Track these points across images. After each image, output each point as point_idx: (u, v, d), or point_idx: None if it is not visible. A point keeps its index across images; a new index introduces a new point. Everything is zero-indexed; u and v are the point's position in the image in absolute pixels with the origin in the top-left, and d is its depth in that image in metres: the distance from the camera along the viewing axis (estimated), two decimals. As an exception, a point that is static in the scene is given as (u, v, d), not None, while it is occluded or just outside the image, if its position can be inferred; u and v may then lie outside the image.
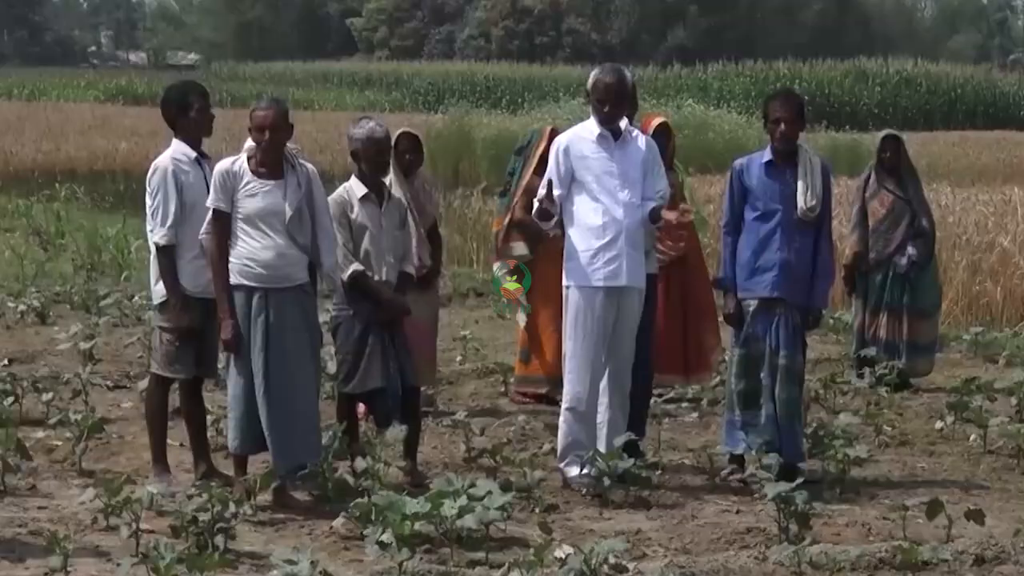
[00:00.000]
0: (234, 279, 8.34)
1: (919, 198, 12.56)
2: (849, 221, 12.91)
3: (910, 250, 12.32)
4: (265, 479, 8.30)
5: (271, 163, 8.34)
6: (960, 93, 70.41)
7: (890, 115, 61.57)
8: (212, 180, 8.38)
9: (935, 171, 25.85)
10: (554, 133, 11.51)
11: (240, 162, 8.38)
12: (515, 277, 11.29)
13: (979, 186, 24.96)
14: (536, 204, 9.05)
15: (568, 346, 9.04)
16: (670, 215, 9.03)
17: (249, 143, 8.43)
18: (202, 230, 8.44)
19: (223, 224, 8.33)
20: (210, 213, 8.35)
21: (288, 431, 8.33)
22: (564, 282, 9.04)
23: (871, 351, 12.14)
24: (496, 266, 11.48)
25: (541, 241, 10.73)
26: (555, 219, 9.01)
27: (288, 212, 8.29)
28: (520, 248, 11.36)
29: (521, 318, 11.69)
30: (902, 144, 12.72)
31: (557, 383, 11.23)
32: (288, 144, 8.51)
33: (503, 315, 11.52)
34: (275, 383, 8.30)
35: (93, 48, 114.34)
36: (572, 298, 8.97)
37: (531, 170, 11.41)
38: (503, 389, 11.81)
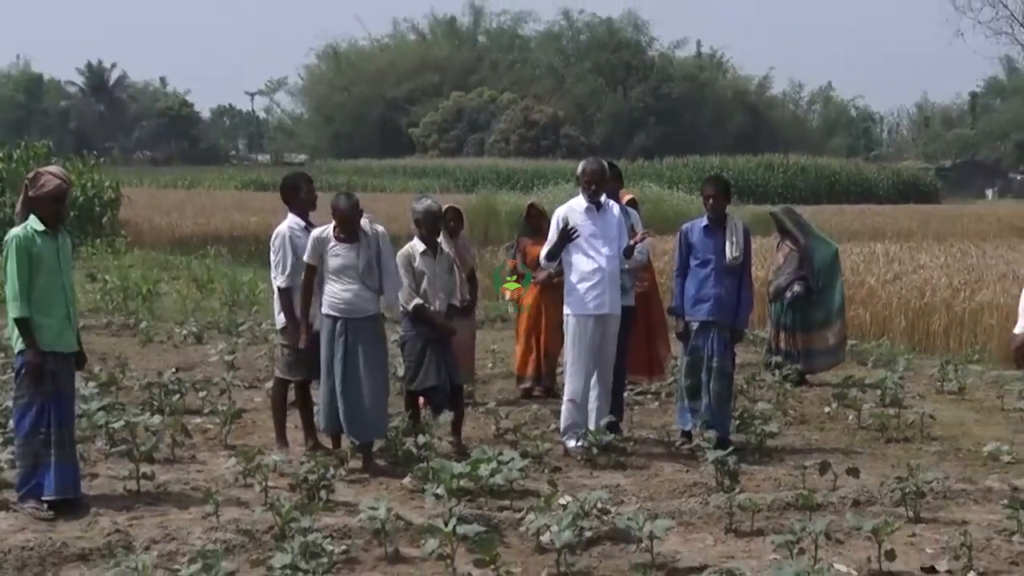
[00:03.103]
0: (325, 310, 8.44)
1: (807, 250, 12.56)
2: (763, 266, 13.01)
3: (796, 287, 12.35)
4: (354, 451, 8.33)
5: (348, 233, 8.39)
6: (838, 178, 70.30)
7: (790, 194, 61.45)
8: (308, 243, 8.45)
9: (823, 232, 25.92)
10: (532, 207, 11.69)
11: (327, 231, 8.46)
12: (515, 278, 11.26)
13: (852, 243, 24.87)
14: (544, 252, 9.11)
15: (569, 356, 9.04)
16: (632, 242, 9.09)
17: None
18: (302, 277, 8.52)
19: (313, 273, 8.43)
20: (306, 266, 8.43)
21: (359, 417, 8.35)
22: (564, 311, 9.04)
23: (777, 358, 12.16)
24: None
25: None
26: (557, 262, 9.07)
27: (360, 266, 8.34)
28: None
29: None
30: (777, 215, 13.02)
31: (521, 378, 11.33)
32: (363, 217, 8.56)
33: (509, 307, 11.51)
34: (350, 383, 8.34)
35: (233, 152, 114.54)
36: (571, 323, 8.96)
37: (519, 233, 11.52)
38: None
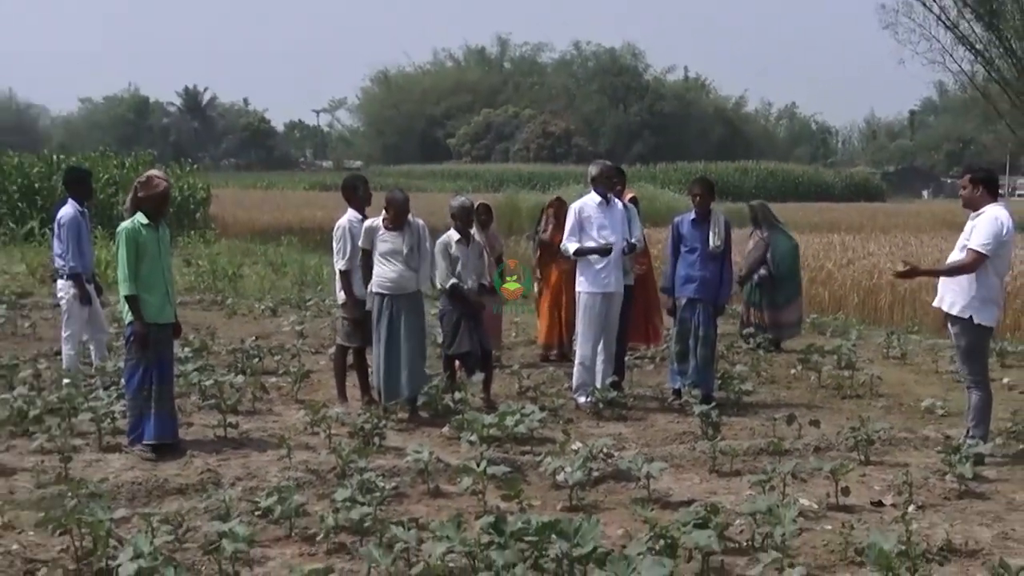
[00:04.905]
0: (375, 289, 8.39)
1: (771, 241, 12.45)
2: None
3: (762, 271, 12.27)
4: (401, 405, 8.30)
5: (396, 222, 8.35)
6: (800, 181, 69.99)
7: (761, 194, 60.76)
8: (362, 231, 8.42)
9: (790, 226, 25.90)
10: (558, 200, 11.53)
11: (377, 221, 8.44)
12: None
13: (814, 233, 24.80)
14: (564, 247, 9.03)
15: (580, 327, 8.99)
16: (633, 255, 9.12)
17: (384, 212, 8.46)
18: (357, 259, 8.52)
19: (368, 256, 8.42)
20: (361, 250, 8.42)
21: (397, 377, 8.32)
22: (577, 289, 9.00)
23: (750, 330, 12.09)
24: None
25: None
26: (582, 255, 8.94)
27: (404, 251, 8.31)
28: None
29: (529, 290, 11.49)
30: (753, 207, 12.75)
31: (548, 347, 11.25)
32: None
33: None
34: (391, 348, 8.31)
35: (302, 159, 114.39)
36: (583, 299, 8.92)
37: (543, 223, 11.41)
38: (540, 353, 11.72)
